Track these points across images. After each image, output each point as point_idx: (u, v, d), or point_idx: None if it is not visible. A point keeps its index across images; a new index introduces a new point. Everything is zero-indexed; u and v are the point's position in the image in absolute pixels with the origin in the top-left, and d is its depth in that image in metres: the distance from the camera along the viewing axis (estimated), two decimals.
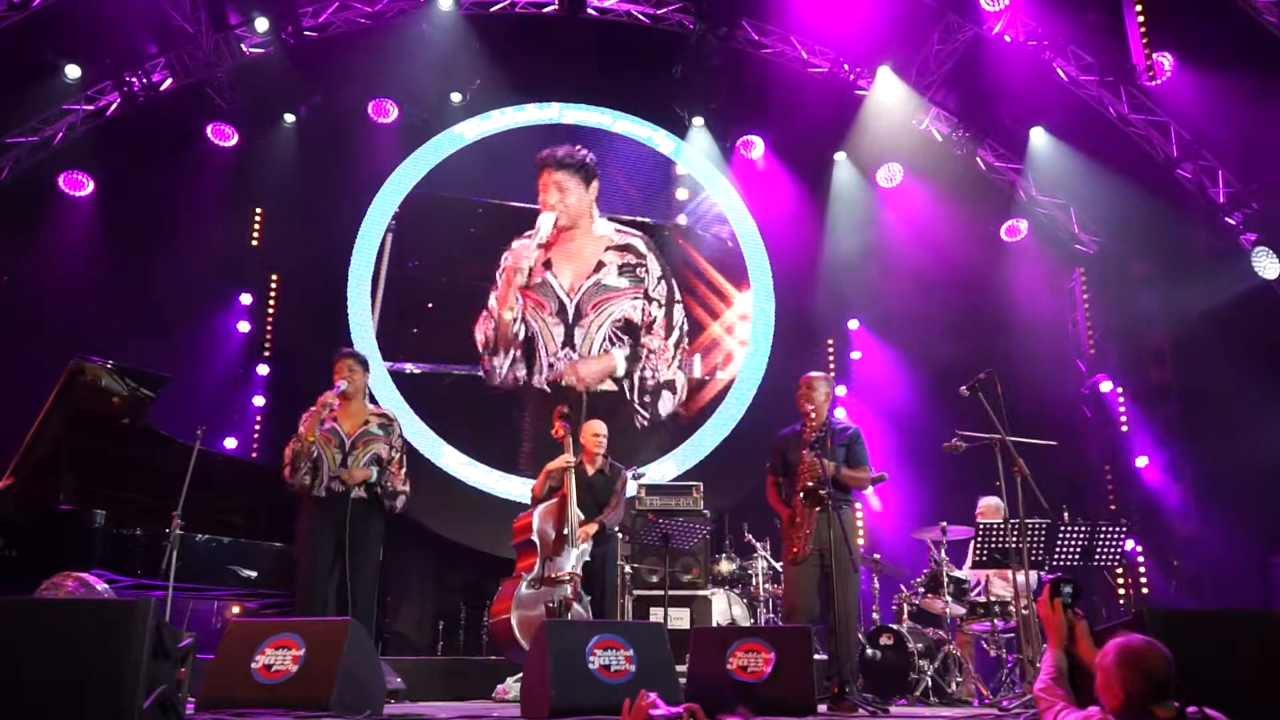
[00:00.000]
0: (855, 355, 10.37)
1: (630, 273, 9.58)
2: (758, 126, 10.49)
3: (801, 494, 4.92)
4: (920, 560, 6.85)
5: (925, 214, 9.92)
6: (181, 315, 8.94)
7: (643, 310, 9.57)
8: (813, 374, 5.22)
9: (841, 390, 9.87)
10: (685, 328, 9.76)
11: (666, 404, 9.55)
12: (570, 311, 9.38)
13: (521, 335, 9.28)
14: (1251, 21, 7.69)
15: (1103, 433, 9.93)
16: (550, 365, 9.26)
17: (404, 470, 5.15)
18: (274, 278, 9.67)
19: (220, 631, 4.10)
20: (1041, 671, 2.90)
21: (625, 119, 10.34)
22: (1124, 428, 9.73)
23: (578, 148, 9.53)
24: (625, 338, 9.46)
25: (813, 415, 5.03)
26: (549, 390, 9.16)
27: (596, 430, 6.15)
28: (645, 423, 9.38)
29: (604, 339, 9.37)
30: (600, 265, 9.53)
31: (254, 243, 9.71)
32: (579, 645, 3.89)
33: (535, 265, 9.33)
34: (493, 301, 9.40)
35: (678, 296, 9.81)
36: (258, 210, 9.72)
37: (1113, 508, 9.48)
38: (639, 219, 9.89)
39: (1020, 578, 5.27)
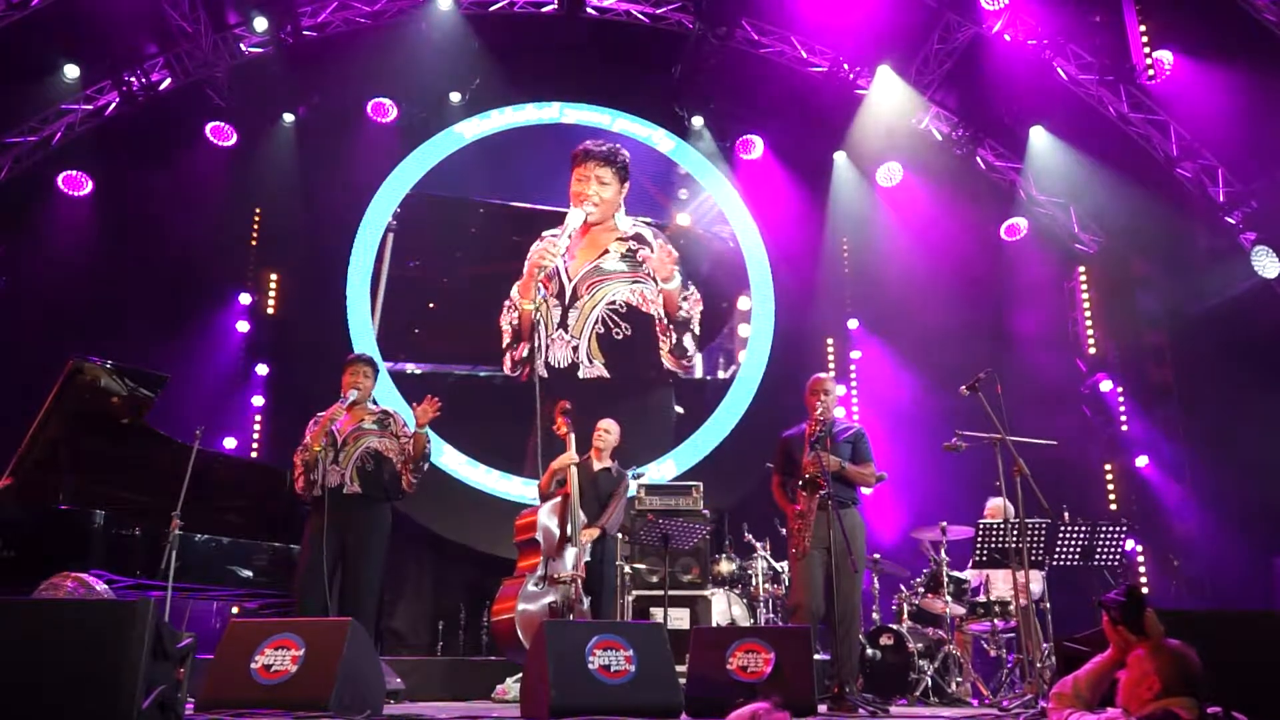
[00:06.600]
0: (855, 355, 10.36)
1: (630, 258, 9.53)
2: (757, 126, 10.47)
3: (800, 483, 4.95)
4: (920, 560, 6.84)
5: (925, 213, 9.90)
6: (181, 315, 8.93)
7: (640, 295, 9.48)
8: (823, 375, 5.31)
9: (841, 390, 9.86)
10: (698, 322, 9.71)
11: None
12: (568, 294, 9.36)
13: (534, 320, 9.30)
14: (1251, 20, 7.69)
15: (1103, 433, 9.92)
16: (546, 347, 9.25)
17: (412, 461, 5.10)
18: (274, 278, 9.67)
19: (220, 631, 4.09)
20: (1071, 674, 2.90)
21: (625, 118, 10.32)
22: (1124, 428, 9.73)
23: (617, 145, 9.38)
24: (625, 325, 9.42)
25: (820, 413, 5.06)
26: (547, 376, 9.13)
27: (607, 428, 6.18)
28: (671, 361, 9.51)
29: (597, 321, 9.33)
30: (605, 252, 9.50)
31: (253, 242, 9.69)
32: (579, 645, 3.88)
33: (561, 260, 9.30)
34: (514, 293, 9.40)
35: (690, 289, 9.76)
36: (257, 210, 9.70)
37: (1113, 508, 9.47)
38: (639, 218, 9.87)
39: (1021, 577, 5.27)
